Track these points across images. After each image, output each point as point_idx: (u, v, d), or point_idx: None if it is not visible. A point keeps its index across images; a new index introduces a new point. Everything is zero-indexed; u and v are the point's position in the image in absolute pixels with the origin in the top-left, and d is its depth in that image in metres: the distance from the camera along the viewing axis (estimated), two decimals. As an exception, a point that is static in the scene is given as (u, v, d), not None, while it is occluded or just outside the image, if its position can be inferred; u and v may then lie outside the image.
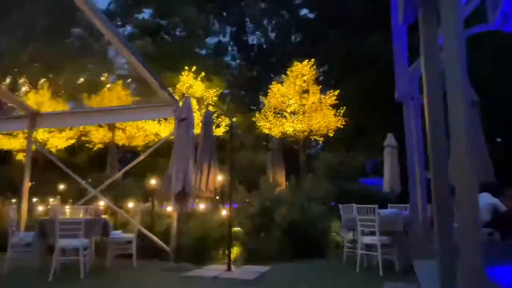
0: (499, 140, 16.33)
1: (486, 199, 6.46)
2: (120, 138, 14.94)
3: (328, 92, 15.97)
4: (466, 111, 1.55)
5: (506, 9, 4.77)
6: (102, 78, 16.25)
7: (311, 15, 22.95)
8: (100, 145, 15.13)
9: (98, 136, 14.79)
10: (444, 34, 1.67)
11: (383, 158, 10.21)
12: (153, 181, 8.86)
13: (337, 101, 15.64)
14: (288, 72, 16.04)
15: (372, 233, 5.87)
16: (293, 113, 15.41)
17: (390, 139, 9.80)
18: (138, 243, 6.39)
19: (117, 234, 6.52)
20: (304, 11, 24.18)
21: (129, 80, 16.22)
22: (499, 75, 15.27)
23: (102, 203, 7.76)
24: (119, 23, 18.49)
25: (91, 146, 15.34)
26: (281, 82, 16.23)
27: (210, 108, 11.58)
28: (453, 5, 1.65)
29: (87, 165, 16.87)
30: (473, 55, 14.35)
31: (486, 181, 5.65)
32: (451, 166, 2.83)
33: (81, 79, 16.51)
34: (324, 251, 7.37)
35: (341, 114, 15.39)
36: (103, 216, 6.71)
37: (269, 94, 15.99)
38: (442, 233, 1.91)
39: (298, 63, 15.94)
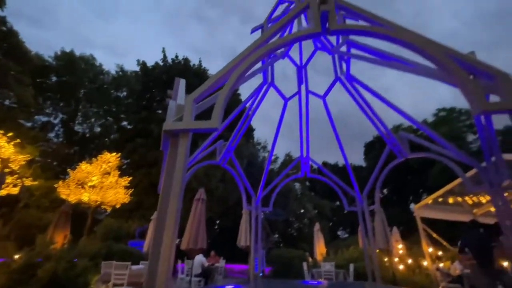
0: (217, 222, 22.20)
1: (199, 258, 8.02)
2: None
3: (124, 177, 17.09)
4: (177, 205, 1.97)
5: (224, 155, 6.76)
6: None
7: (129, 126, 24.17)
8: None
9: None
10: (177, 167, 2.17)
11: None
12: None
13: (129, 184, 16.60)
14: (98, 157, 15.99)
15: (123, 284, 5.52)
16: (93, 186, 14.91)
17: (155, 214, 11.59)
18: None
19: None
20: (124, 123, 25.57)
21: None
22: (224, 187, 22.06)
23: None
24: None
25: None
26: (91, 163, 15.70)
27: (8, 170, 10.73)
28: (182, 155, 2.17)
29: None
30: (213, 175, 20.55)
31: (202, 247, 6.57)
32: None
33: None
34: (79, 301, 6.14)
35: (129, 193, 16.30)
36: None
37: (77, 169, 15.24)
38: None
39: (108, 153, 16.32)
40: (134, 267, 6.22)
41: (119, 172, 16.60)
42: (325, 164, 36.46)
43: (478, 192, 8.90)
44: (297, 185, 27.00)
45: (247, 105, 6.79)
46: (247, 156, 20.72)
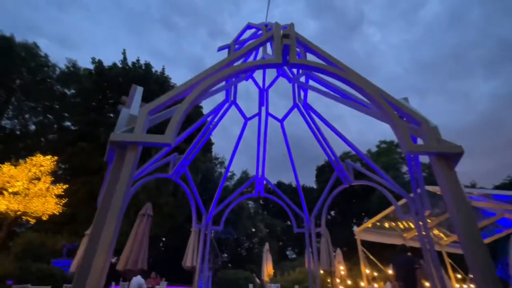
0: (163, 239, 20.68)
1: (137, 280, 7.67)
2: None
3: (59, 184, 15.59)
4: (116, 223, 1.78)
5: (178, 169, 6.32)
6: None
7: (73, 127, 21.65)
8: None
9: None
10: (120, 181, 1.97)
11: (80, 243, 10.01)
12: None
13: (63, 193, 15.27)
14: (28, 159, 13.93)
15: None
16: (15, 193, 12.77)
17: (90, 229, 10.49)
18: None
19: None
20: (67, 123, 22.58)
21: None
22: (174, 202, 20.78)
23: None
24: None
25: None
26: (17, 165, 13.44)
27: None
28: (128, 169, 1.98)
29: None
30: (164, 189, 19.26)
31: (142, 268, 5.89)
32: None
33: None
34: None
35: (62, 203, 14.91)
36: None
37: (-3, 171, 12.94)
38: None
39: (41, 155, 14.38)
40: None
41: (53, 179, 14.55)
42: (279, 183, 37.40)
43: (408, 218, 10.04)
44: (251, 204, 27.01)
45: (208, 119, 6.75)
46: (202, 171, 20.16)
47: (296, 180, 7.30)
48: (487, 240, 11.99)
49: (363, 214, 29.74)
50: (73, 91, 24.78)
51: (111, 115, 20.37)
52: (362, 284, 9.81)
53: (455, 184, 2.10)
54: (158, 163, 5.75)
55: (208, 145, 24.97)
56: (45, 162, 14.37)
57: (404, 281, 5.46)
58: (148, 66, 23.78)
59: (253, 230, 24.27)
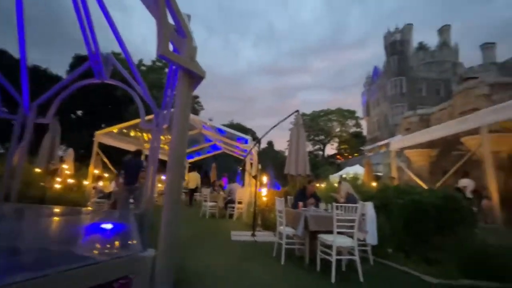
0: None
1: None
2: None
3: None
4: None
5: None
6: None
7: None
8: None
9: None
10: None
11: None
12: None
13: None
14: None
15: None
16: None
17: None
18: None
19: None
20: None
21: None
22: None
23: None
24: None
25: None
26: None
27: None
28: None
29: None
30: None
31: None
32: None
33: None
34: None
35: None
36: None
37: None
38: None
39: None
40: None
41: None
42: (2, 52, 25.14)
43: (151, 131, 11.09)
44: None
45: None
46: None
47: (20, 49, 4.96)
48: (200, 157, 16.70)
49: (116, 121, 28.79)
50: None
51: None
52: (86, 182, 9.64)
53: (188, 103, 2.35)
54: None
55: None
56: None
57: (127, 179, 5.99)
58: None
59: None
